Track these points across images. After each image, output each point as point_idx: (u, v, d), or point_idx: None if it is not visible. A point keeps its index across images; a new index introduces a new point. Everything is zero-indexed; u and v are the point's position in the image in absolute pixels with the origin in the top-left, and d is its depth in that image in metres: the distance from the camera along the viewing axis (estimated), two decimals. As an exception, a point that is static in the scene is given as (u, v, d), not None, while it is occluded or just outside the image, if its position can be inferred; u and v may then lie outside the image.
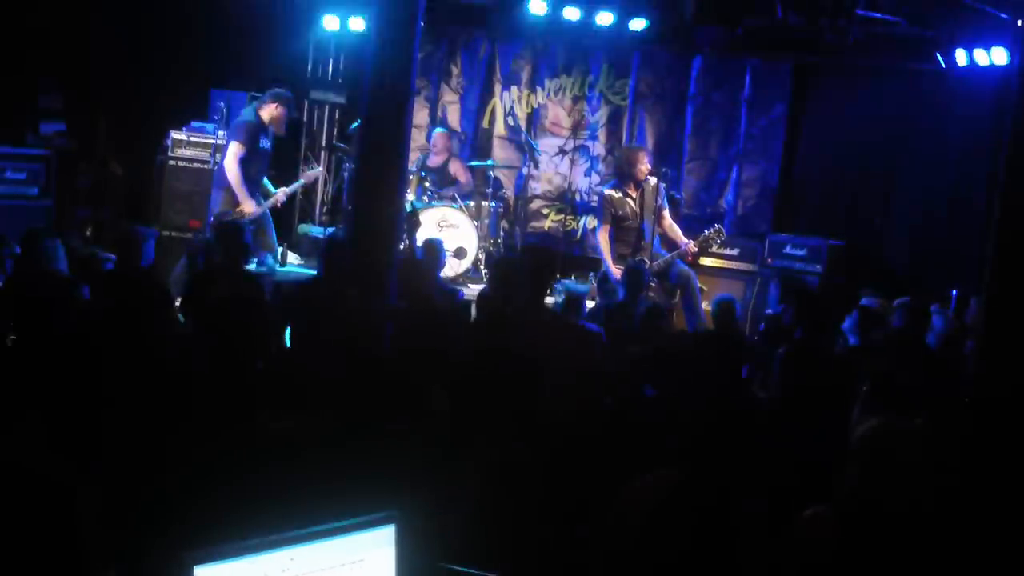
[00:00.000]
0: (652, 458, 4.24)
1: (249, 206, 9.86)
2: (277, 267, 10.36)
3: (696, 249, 10.31)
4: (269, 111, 10.13)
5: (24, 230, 7.75)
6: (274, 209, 10.35)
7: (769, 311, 8.94)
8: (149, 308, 5.69)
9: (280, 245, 11.91)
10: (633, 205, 10.12)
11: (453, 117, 13.66)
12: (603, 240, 10.16)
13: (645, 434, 4.99)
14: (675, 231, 10.32)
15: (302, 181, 10.77)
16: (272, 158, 10.35)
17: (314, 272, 10.27)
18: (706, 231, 10.30)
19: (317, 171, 10.60)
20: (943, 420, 4.46)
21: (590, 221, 12.64)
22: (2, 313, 5.70)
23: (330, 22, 13.15)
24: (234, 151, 9.92)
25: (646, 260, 9.88)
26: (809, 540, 3.93)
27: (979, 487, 4.21)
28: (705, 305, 10.46)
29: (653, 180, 10.16)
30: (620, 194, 10.16)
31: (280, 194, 10.20)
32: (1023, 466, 4.43)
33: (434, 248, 9.03)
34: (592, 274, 11.33)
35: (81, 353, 4.69)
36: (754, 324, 9.51)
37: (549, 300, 9.41)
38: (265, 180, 10.25)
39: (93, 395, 4.32)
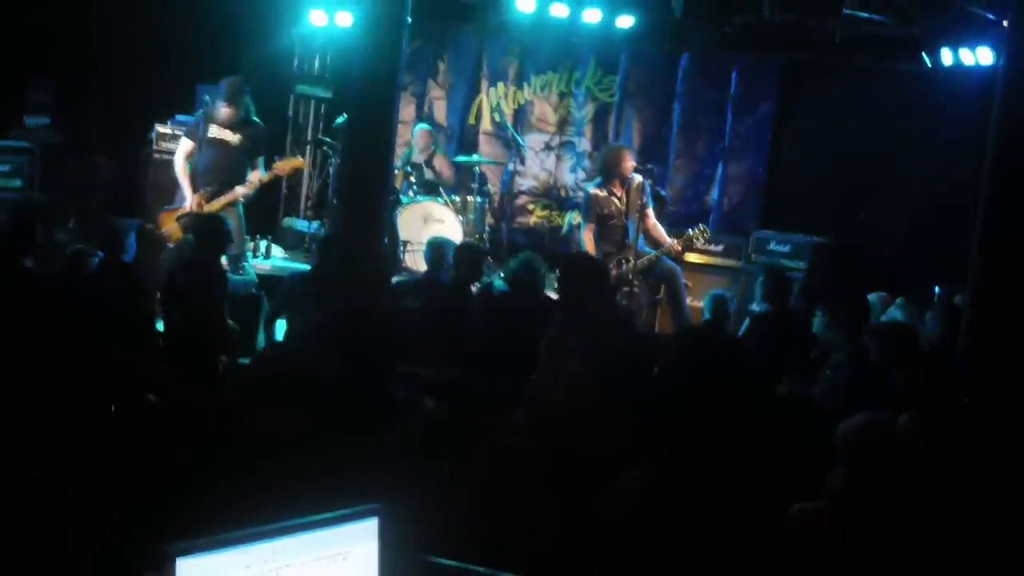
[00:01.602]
0: (641, 452, 4.25)
1: (190, 197, 9.77)
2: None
3: (680, 248, 10.32)
4: (218, 108, 9.91)
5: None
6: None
7: (754, 306, 8.93)
8: (130, 304, 5.70)
9: (264, 238, 11.89)
10: (618, 204, 10.10)
11: (440, 113, 13.66)
12: (588, 239, 10.15)
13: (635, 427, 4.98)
14: (659, 230, 10.31)
15: (265, 174, 10.03)
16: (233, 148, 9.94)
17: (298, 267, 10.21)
18: (689, 230, 10.30)
19: (291, 162, 10.25)
20: (934, 416, 4.48)
21: (575, 217, 12.64)
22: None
23: (317, 17, 13.13)
24: (180, 147, 10.07)
25: (630, 258, 9.89)
26: (801, 534, 3.95)
27: (969, 482, 4.23)
28: (691, 301, 10.47)
29: (638, 178, 10.15)
30: (605, 193, 10.15)
31: (238, 190, 9.80)
32: (1013, 461, 4.44)
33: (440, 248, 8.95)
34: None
35: (68, 349, 4.68)
36: (738, 320, 9.50)
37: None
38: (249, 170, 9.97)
39: (80, 391, 4.31)
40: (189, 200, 9.78)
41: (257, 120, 10.13)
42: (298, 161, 10.37)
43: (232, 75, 10.13)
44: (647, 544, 3.81)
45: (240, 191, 9.77)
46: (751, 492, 4.12)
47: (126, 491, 3.67)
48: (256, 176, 9.85)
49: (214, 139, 9.85)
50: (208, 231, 8.19)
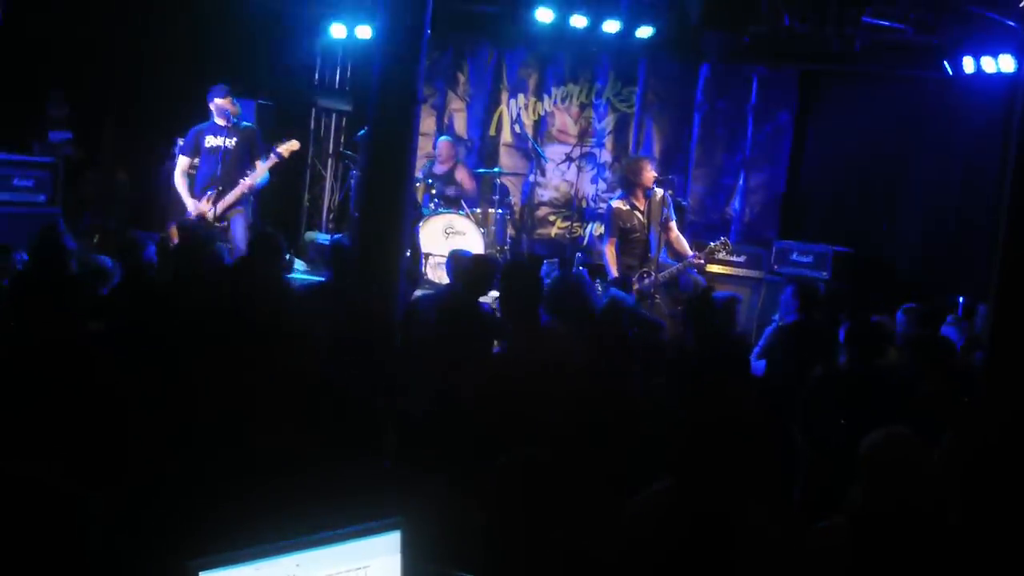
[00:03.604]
0: (655, 466, 4.23)
1: (191, 205, 10.05)
2: None
3: (702, 262, 10.29)
4: (214, 107, 10.21)
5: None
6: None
7: (776, 317, 8.89)
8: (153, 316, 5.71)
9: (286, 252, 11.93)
10: (641, 217, 10.06)
11: (460, 125, 13.68)
12: (610, 253, 10.11)
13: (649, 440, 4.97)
14: (681, 243, 10.26)
15: (267, 161, 10.13)
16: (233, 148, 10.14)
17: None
18: (711, 244, 10.26)
19: (289, 145, 10.29)
20: (965, 430, 4.46)
21: (597, 228, 12.63)
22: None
23: (337, 30, 13.18)
24: (178, 164, 10.40)
25: (652, 271, 9.86)
26: (823, 550, 3.93)
27: (990, 495, 4.21)
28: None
29: (660, 191, 10.13)
30: (628, 206, 10.11)
31: (245, 182, 10.02)
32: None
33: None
34: (597, 281, 11.31)
35: (85, 360, 4.69)
36: (760, 330, 9.47)
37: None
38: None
39: (98, 404, 4.32)
40: (191, 207, 10.06)
41: (248, 123, 10.44)
42: (295, 144, 10.38)
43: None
44: (670, 559, 3.79)
45: (246, 183, 10.03)
46: (772, 504, 4.11)
47: (145, 504, 3.68)
48: (259, 166, 10.09)
49: (211, 147, 10.13)
50: (256, 245, 8.22)
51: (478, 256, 8.68)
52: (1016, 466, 4.39)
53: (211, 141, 10.14)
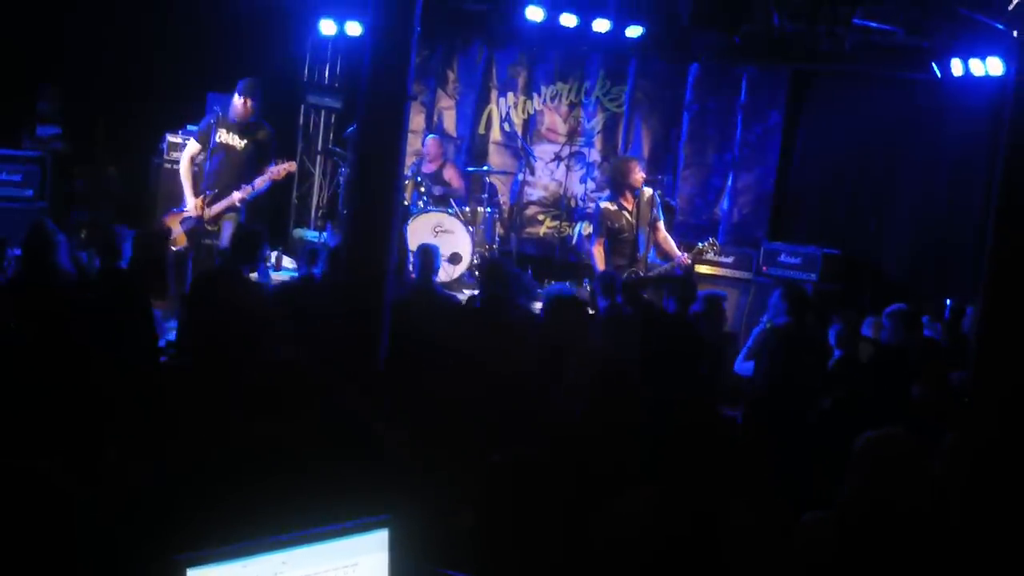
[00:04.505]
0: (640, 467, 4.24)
1: (190, 202, 9.85)
2: None
3: (690, 262, 10.29)
4: (233, 105, 9.94)
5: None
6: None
7: (765, 318, 8.90)
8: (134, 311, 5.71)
9: (275, 249, 11.90)
10: (629, 217, 10.08)
11: (449, 122, 13.68)
12: (598, 253, 10.12)
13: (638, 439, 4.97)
14: (669, 243, 10.27)
15: (263, 177, 9.91)
16: (241, 154, 9.94)
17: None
18: (700, 244, 10.27)
19: (284, 167, 10.10)
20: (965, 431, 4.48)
21: (585, 227, 12.62)
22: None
23: (327, 26, 13.17)
24: (186, 148, 10.16)
25: (639, 271, 9.87)
26: (809, 546, 3.94)
27: (977, 494, 4.22)
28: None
29: (649, 191, 10.14)
30: (616, 207, 10.12)
31: (237, 194, 9.78)
32: (1018, 473, 4.43)
33: (429, 253, 8.99)
34: (586, 281, 11.33)
35: (76, 355, 4.68)
36: (747, 332, 9.48)
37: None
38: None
39: (90, 398, 4.31)
40: (190, 204, 9.84)
41: (266, 124, 10.13)
42: (291, 165, 10.26)
43: (223, 79, 10.21)
44: (657, 559, 3.80)
45: (237, 196, 9.78)
46: (756, 502, 4.11)
47: (135, 502, 3.67)
48: (257, 180, 9.87)
49: (221, 144, 9.85)
50: (240, 241, 8.20)
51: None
52: (1009, 465, 4.41)
53: (222, 136, 9.84)
